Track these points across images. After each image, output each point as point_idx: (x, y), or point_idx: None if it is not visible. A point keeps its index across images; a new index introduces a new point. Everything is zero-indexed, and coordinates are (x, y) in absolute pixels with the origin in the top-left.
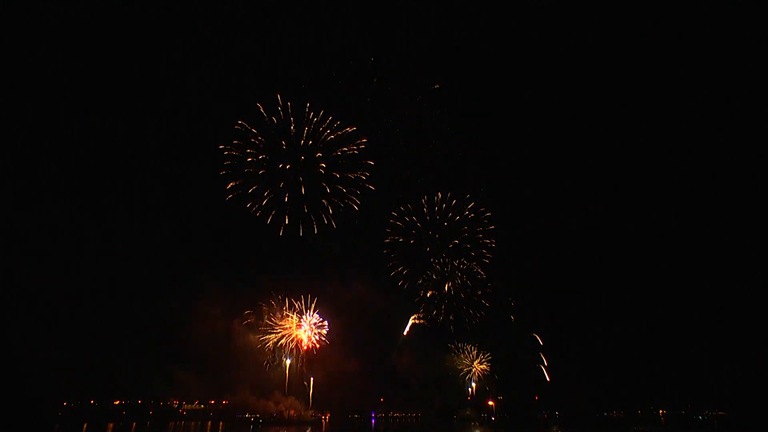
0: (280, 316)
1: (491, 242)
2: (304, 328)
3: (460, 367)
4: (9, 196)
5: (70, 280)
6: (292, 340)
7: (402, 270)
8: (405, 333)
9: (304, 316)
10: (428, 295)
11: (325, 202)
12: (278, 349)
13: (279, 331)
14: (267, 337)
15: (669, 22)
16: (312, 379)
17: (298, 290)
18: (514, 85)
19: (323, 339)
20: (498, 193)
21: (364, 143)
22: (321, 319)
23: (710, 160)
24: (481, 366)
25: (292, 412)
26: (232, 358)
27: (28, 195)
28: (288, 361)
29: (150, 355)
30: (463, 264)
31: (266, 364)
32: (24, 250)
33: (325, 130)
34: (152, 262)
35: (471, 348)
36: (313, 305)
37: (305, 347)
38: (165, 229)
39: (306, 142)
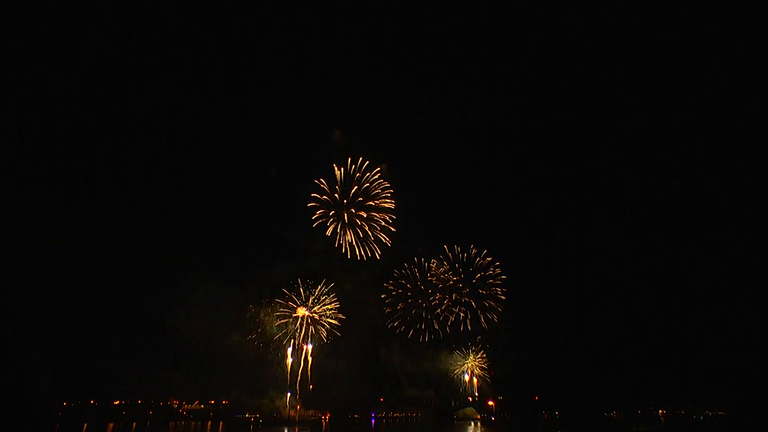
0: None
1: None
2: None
3: (457, 366)
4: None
5: (59, 282)
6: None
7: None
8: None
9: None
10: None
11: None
12: (280, 342)
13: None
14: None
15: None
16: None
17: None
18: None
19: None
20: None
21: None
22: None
23: (710, 161)
24: (479, 365)
25: (292, 412)
26: (223, 356)
27: (18, 198)
28: (290, 352)
29: (141, 356)
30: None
31: (273, 357)
32: (15, 252)
33: None
34: (136, 262)
35: (468, 347)
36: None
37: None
38: (150, 231)
39: None
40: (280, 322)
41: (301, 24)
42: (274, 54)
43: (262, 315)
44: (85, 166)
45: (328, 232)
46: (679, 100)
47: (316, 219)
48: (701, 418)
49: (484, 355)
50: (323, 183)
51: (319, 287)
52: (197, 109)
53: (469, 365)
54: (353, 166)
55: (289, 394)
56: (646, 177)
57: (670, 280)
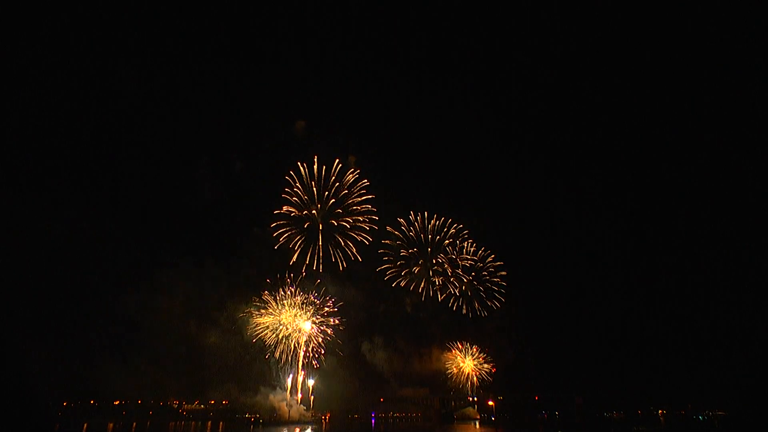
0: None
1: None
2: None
3: (453, 366)
4: None
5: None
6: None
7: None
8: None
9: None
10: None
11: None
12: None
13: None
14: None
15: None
16: (312, 380)
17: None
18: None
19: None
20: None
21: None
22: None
23: (709, 162)
24: (478, 365)
25: (292, 412)
26: (204, 355)
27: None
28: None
29: (119, 355)
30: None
31: (268, 357)
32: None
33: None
34: (113, 258)
35: (465, 346)
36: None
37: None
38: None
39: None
40: (264, 321)
41: (263, 13)
42: (236, 45)
43: (240, 314)
44: (63, 167)
45: (297, 249)
46: (677, 98)
47: (283, 236)
48: (701, 418)
49: (484, 355)
50: (289, 191)
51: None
52: (167, 102)
53: (468, 364)
54: (323, 166)
55: (288, 394)
56: (648, 175)
57: (670, 280)
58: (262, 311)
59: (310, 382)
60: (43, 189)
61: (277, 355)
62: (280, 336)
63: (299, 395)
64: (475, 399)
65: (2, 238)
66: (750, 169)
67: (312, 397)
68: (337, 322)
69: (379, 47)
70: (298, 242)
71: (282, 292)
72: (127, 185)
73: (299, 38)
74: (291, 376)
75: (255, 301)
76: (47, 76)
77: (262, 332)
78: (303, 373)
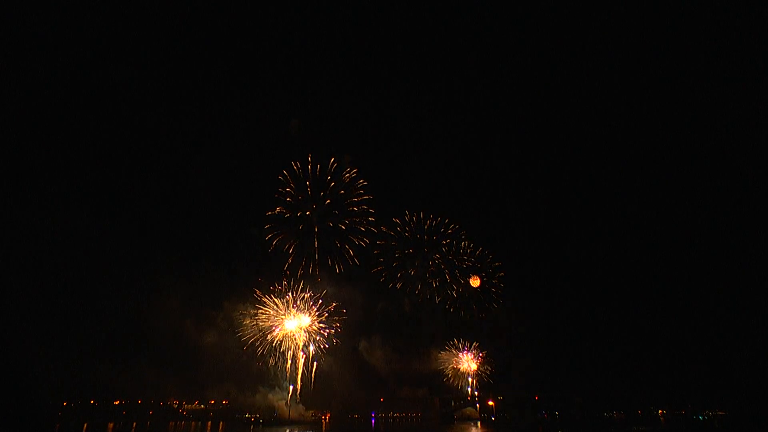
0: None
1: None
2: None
3: (452, 366)
4: None
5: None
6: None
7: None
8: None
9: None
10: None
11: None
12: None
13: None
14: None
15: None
16: (312, 377)
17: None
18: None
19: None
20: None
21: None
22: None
23: (709, 163)
24: (478, 365)
25: (292, 412)
26: (202, 355)
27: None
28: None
29: (121, 355)
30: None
31: (262, 361)
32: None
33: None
34: (112, 258)
35: (465, 345)
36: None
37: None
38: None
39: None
40: (261, 323)
41: (258, 11)
42: (230, 44)
43: (236, 314)
44: (61, 166)
45: (293, 252)
46: (677, 98)
47: (276, 239)
48: (701, 418)
49: (483, 354)
50: (282, 191)
51: (306, 294)
52: (163, 102)
53: (467, 364)
54: (318, 165)
55: (290, 393)
56: (647, 175)
57: (670, 280)
58: (257, 308)
59: (309, 382)
60: (42, 189)
61: (272, 362)
62: (277, 338)
63: (298, 395)
64: (476, 395)
65: (1, 238)
66: (750, 169)
67: (311, 397)
68: (337, 324)
69: (375, 45)
70: (292, 245)
71: (278, 292)
72: (125, 185)
73: (292, 36)
74: (289, 376)
75: (249, 302)
76: (44, 75)
77: (257, 335)
78: (301, 372)
